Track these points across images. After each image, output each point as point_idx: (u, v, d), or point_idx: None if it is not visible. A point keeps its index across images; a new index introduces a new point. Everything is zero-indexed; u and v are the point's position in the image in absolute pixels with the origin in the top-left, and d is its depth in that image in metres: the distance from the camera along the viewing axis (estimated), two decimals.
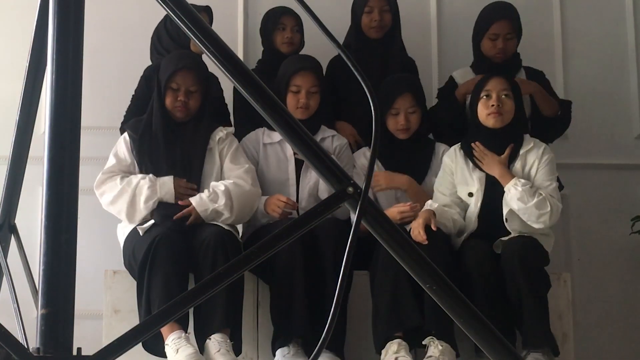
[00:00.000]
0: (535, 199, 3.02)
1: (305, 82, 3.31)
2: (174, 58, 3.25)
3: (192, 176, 3.17)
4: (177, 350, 2.73)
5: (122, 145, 3.21)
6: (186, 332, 2.82)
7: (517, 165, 3.16)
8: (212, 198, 3.09)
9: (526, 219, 3.05)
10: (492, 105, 3.12)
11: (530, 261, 2.95)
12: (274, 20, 3.75)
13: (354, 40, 3.73)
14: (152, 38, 3.65)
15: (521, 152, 3.17)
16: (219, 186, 3.13)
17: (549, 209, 3.02)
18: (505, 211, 3.10)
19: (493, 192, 3.15)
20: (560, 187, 3.33)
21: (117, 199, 3.10)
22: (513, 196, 3.05)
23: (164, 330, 2.78)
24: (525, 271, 2.91)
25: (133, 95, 3.57)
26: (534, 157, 3.15)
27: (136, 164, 3.17)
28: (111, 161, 3.19)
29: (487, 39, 3.59)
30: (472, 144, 3.19)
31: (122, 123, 3.50)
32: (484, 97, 3.16)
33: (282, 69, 3.38)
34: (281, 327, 2.97)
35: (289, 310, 2.96)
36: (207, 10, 3.67)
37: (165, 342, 2.79)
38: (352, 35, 3.76)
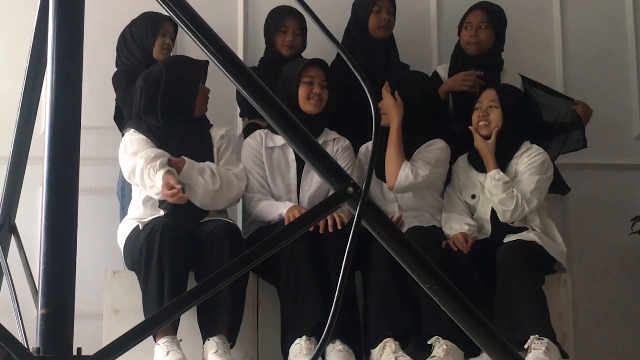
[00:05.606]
0: (503, 195, 3.18)
1: (318, 74, 3.29)
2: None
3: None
4: (168, 352, 2.77)
5: (135, 136, 3.18)
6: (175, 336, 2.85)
7: (512, 163, 3.29)
8: (201, 172, 3.09)
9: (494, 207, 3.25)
10: (482, 116, 3.31)
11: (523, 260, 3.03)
12: (276, 21, 3.69)
13: (360, 42, 3.68)
14: (118, 42, 3.61)
15: (516, 154, 3.30)
16: (213, 168, 3.14)
17: (512, 207, 3.18)
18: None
19: None
20: (566, 189, 3.57)
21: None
22: (487, 186, 3.24)
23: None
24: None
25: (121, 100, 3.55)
26: (527, 157, 3.28)
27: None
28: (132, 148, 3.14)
29: (463, 29, 3.71)
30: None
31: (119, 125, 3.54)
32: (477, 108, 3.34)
33: (291, 66, 3.35)
34: (292, 324, 2.93)
35: (300, 307, 2.92)
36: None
37: (157, 342, 2.82)
38: (355, 36, 3.71)
